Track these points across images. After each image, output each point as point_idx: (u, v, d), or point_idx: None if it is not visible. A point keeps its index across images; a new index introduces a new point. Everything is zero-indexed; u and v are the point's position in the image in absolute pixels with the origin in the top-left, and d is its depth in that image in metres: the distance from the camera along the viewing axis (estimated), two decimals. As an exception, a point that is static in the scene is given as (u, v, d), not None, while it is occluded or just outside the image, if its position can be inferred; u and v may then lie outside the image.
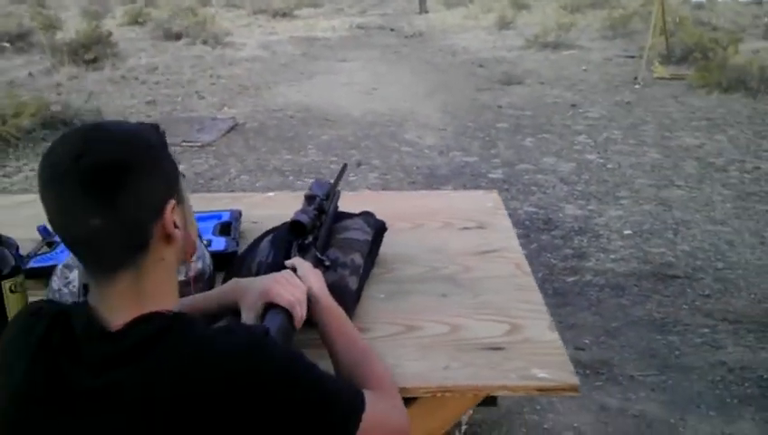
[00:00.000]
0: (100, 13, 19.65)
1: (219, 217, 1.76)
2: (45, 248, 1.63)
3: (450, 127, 7.08)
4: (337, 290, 1.27)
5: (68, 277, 1.23)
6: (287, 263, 1.24)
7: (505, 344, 1.25)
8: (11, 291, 1.16)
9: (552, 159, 5.98)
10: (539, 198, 5.10)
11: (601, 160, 5.94)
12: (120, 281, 0.85)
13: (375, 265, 1.54)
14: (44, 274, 1.43)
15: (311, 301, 1.17)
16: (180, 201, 0.92)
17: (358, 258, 1.44)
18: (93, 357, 0.82)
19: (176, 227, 0.89)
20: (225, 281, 1.33)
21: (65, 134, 0.86)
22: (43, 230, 1.66)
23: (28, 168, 5.94)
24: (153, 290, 0.88)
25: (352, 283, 1.39)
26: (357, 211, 1.61)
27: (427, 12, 20.62)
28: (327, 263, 1.34)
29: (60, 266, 1.27)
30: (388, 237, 1.60)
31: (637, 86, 8.75)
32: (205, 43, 13.34)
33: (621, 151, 6.16)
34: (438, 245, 1.61)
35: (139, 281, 0.86)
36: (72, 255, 1.00)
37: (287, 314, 1.11)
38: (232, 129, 7.08)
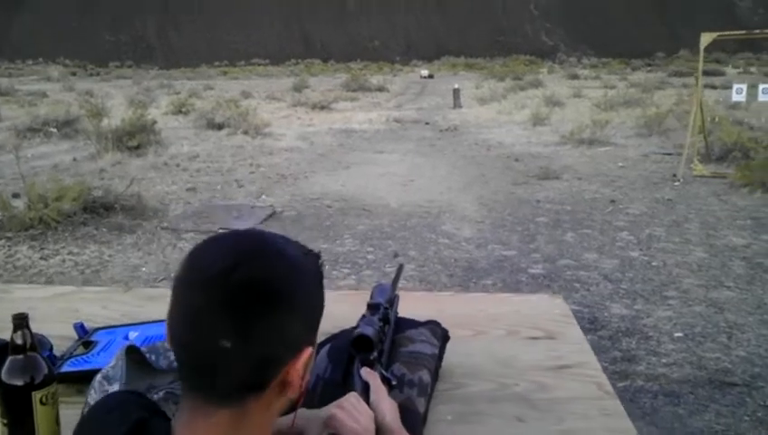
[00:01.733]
0: (145, 102, 20.47)
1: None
2: (81, 349, 1.45)
3: (488, 220, 6.99)
4: (405, 413, 1.13)
5: (106, 391, 1.11)
6: (362, 373, 1.12)
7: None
8: (41, 403, 1.02)
9: (594, 256, 5.81)
10: (583, 296, 4.91)
11: (645, 258, 5.76)
12: (218, 418, 0.74)
13: (439, 379, 1.39)
14: (79, 379, 1.29)
15: (381, 430, 1.04)
16: (311, 355, 0.81)
17: (426, 376, 1.29)
18: None
19: (301, 378, 0.78)
20: None
21: (222, 237, 0.79)
22: (79, 328, 1.51)
23: (66, 251, 5.95)
24: (250, 431, 0.77)
25: (420, 405, 1.24)
26: (410, 313, 1.47)
27: (461, 107, 21.07)
28: (394, 382, 1.20)
29: (98, 378, 1.14)
30: (449, 345, 1.46)
31: (677, 183, 8.64)
32: (245, 133, 13.69)
33: (666, 249, 5.98)
34: (506, 357, 1.46)
35: (237, 424, 0.75)
36: (112, 364, 0.89)
37: None
38: (269, 217, 7.09)
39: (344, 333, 1.32)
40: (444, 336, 1.45)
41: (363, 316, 1.25)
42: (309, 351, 0.78)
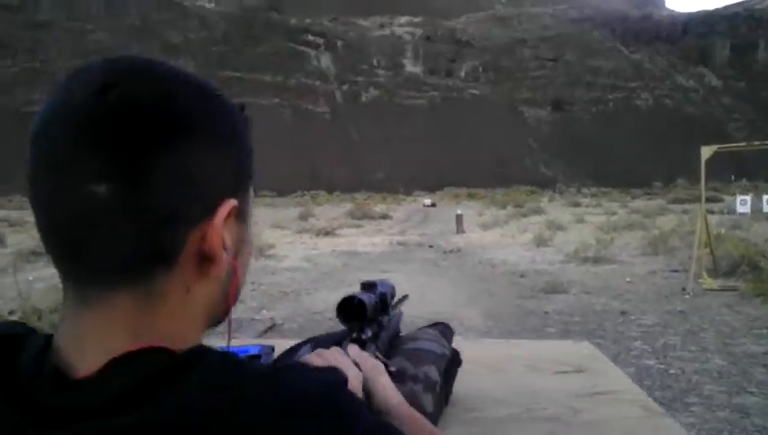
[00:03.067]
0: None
1: (247, 350, 1.49)
2: None
3: (495, 329, 6.79)
4: None
5: None
6: (350, 352, 0.89)
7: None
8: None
9: (607, 365, 5.57)
10: (598, 404, 4.65)
11: (662, 366, 5.51)
12: (116, 305, 0.52)
13: (448, 404, 1.20)
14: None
15: (385, 414, 0.81)
16: (243, 213, 0.60)
17: (433, 372, 1.08)
18: (37, 413, 0.48)
19: (224, 248, 0.56)
20: None
21: (91, 63, 0.54)
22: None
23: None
24: (165, 332, 0.54)
25: (428, 403, 1.02)
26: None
27: (464, 232, 21.23)
28: (392, 369, 0.95)
29: None
30: (460, 378, 1.27)
31: (687, 296, 8.47)
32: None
33: (683, 358, 5.74)
34: (528, 388, 1.28)
35: (146, 314, 0.53)
36: None
37: None
38: (269, 329, 6.92)
39: (330, 335, 1.14)
40: (454, 352, 1.26)
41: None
42: (230, 204, 0.56)
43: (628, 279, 10.11)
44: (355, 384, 0.79)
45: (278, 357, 1.16)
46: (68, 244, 0.52)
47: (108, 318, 0.52)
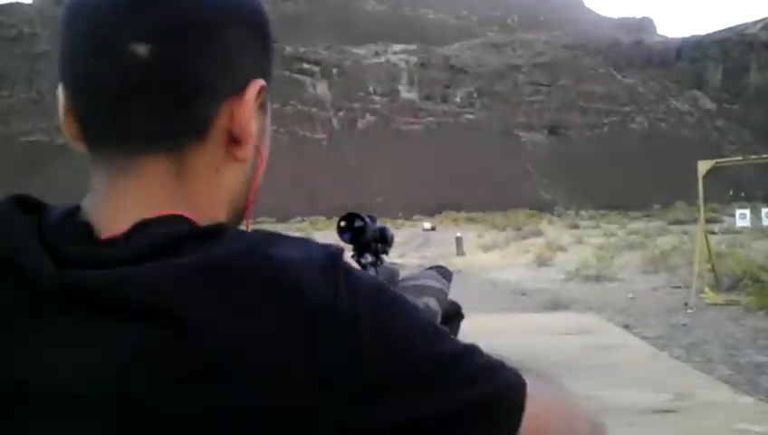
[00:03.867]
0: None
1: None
2: None
3: (500, 345, 6.79)
4: None
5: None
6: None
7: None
8: None
9: (613, 376, 5.57)
10: (607, 413, 4.64)
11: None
12: (147, 170, 0.54)
13: None
14: None
15: None
16: (266, 102, 0.62)
17: (433, 303, 1.02)
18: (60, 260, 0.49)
19: (252, 132, 0.58)
20: None
21: None
22: None
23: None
24: (193, 205, 0.55)
25: None
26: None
27: (464, 254, 21.25)
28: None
29: None
30: (461, 338, 1.21)
31: (689, 311, 8.48)
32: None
33: (688, 369, 5.74)
34: (534, 343, 1.30)
35: (176, 185, 0.55)
36: None
37: None
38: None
39: None
40: (455, 306, 1.16)
41: None
42: (259, 83, 0.57)
43: (630, 295, 10.12)
44: None
45: None
46: (106, 107, 0.53)
47: (139, 184, 0.54)
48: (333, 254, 0.52)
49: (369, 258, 0.98)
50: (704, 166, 8.63)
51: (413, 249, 26.83)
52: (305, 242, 0.53)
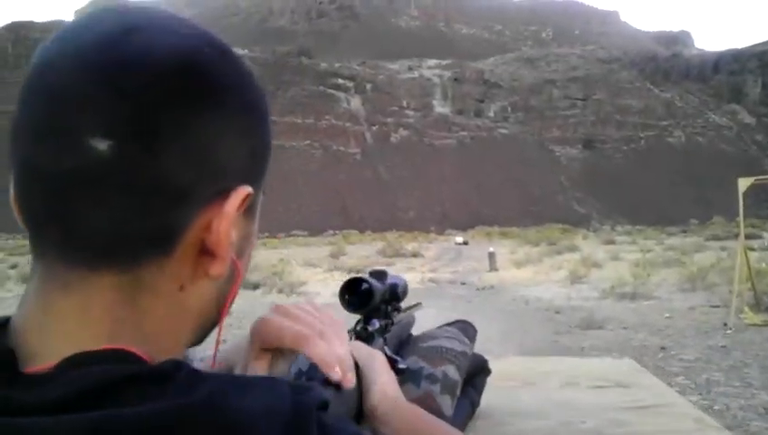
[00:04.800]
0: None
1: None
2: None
3: (532, 366, 6.67)
4: None
5: None
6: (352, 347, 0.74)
7: None
8: None
9: (648, 400, 5.41)
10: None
11: (706, 402, 5.33)
12: (91, 289, 0.44)
13: (475, 416, 1.10)
14: None
15: (376, 416, 0.69)
16: (254, 206, 0.52)
17: (453, 372, 0.95)
18: None
19: (230, 241, 0.48)
20: None
21: (114, 5, 0.47)
22: None
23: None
24: (146, 333, 0.45)
25: (446, 405, 0.90)
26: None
27: (497, 270, 21.03)
28: (402, 366, 0.82)
29: None
30: (489, 391, 1.17)
31: (728, 331, 8.24)
32: (281, 291, 13.77)
33: (727, 393, 5.55)
34: (565, 401, 1.23)
35: (127, 307, 0.44)
36: None
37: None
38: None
39: None
40: (480, 359, 1.16)
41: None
42: (244, 191, 0.47)
43: (667, 315, 9.88)
44: (329, 359, 0.61)
45: None
46: (52, 209, 0.43)
47: (80, 304, 0.44)
48: (304, 407, 0.43)
49: (376, 325, 0.88)
50: (744, 183, 8.46)
51: (444, 264, 26.69)
52: (273, 386, 0.44)
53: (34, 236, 0.45)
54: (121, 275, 0.44)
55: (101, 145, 0.40)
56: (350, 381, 0.61)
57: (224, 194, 0.46)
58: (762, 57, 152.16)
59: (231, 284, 0.52)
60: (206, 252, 0.46)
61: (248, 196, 0.47)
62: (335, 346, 0.61)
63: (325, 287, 15.42)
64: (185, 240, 0.45)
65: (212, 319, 0.52)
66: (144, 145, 0.41)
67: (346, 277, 0.91)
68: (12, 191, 0.46)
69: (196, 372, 0.43)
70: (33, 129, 0.43)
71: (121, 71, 0.41)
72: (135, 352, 0.43)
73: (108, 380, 0.40)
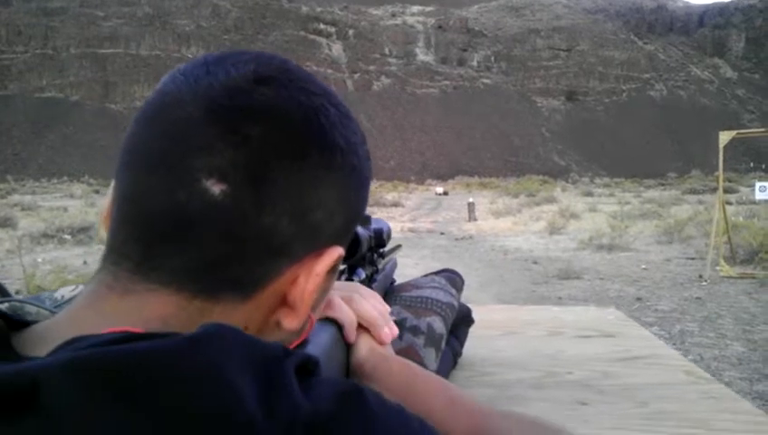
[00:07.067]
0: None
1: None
2: None
3: (508, 315, 6.68)
4: None
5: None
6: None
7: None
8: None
9: (624, 350, 5.44)
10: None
11: (680, 352, 5.36)
12: (160, 297, 0.42)
13: (457, 367, 1.06)
14: None
15: (358, 368, 0.65)
16: (336, 268, 0.50)
17: (438, 324, 0.90)
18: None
19: (312, 301, 0.47)
20: None
21: (248, 51, 0.47)
22: None
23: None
24: None
25: (430, 359, 0.86)
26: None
27: (476, 220, 21.08)
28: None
29: None
30: (471, 341, 1.12)
31: (704, 283, 8.31)
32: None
33: (701, 344, 5.59)
34: (551, 351, 1.16)
35: (187, 320, 0.42)
36: None
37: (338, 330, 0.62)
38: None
39: None
40: (465, 310, 1.10)
41: None
42: (337, 252, 0.47)
43: (643, 266, 9.95)
44: (382, 308, 0.65)
45: None
46: (145, 236, 0.42)
47: (140, 306, 0.42)
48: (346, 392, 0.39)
49: (362, 275, 0.84)
50: (725, 136, 8.39)
51: (424, 214, 26.70)
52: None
53: (113, 253, 0.44)
54: (191, 299, 0.42)
55: (215, 188, 0.41)
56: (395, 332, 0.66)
57: (317, 253, 0.46)
58: (746, 12, 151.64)
59: (299, 337, 0.52)
60: (284, 303, 0.46)
61: (339, 257, 0.48)
62: (377, 303, 0.66)
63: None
64: (268, 290, 0.45)
65: None
66: (255, 195, 0.41)
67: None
68: (106, 206, 0.47)
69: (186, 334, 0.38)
70: (147, 158, 0.42)
71: (248, 119, 0.42)
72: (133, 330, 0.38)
73: (89, 343, 0.35)
